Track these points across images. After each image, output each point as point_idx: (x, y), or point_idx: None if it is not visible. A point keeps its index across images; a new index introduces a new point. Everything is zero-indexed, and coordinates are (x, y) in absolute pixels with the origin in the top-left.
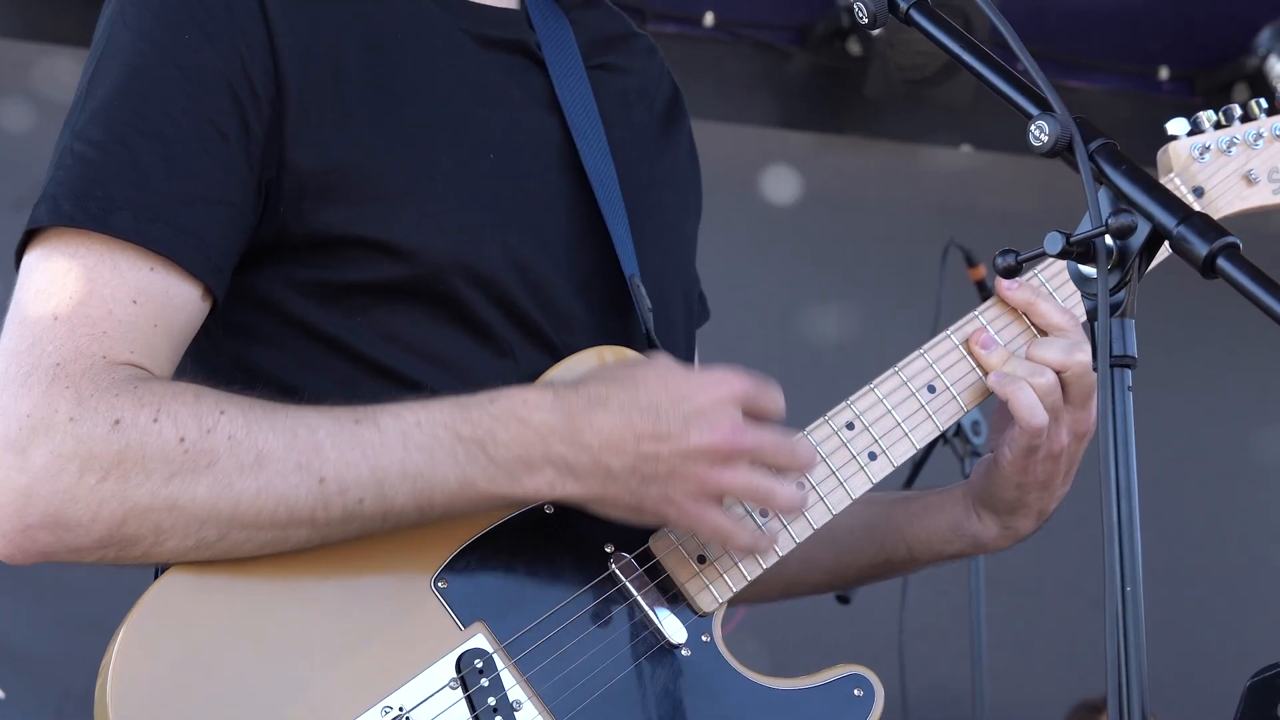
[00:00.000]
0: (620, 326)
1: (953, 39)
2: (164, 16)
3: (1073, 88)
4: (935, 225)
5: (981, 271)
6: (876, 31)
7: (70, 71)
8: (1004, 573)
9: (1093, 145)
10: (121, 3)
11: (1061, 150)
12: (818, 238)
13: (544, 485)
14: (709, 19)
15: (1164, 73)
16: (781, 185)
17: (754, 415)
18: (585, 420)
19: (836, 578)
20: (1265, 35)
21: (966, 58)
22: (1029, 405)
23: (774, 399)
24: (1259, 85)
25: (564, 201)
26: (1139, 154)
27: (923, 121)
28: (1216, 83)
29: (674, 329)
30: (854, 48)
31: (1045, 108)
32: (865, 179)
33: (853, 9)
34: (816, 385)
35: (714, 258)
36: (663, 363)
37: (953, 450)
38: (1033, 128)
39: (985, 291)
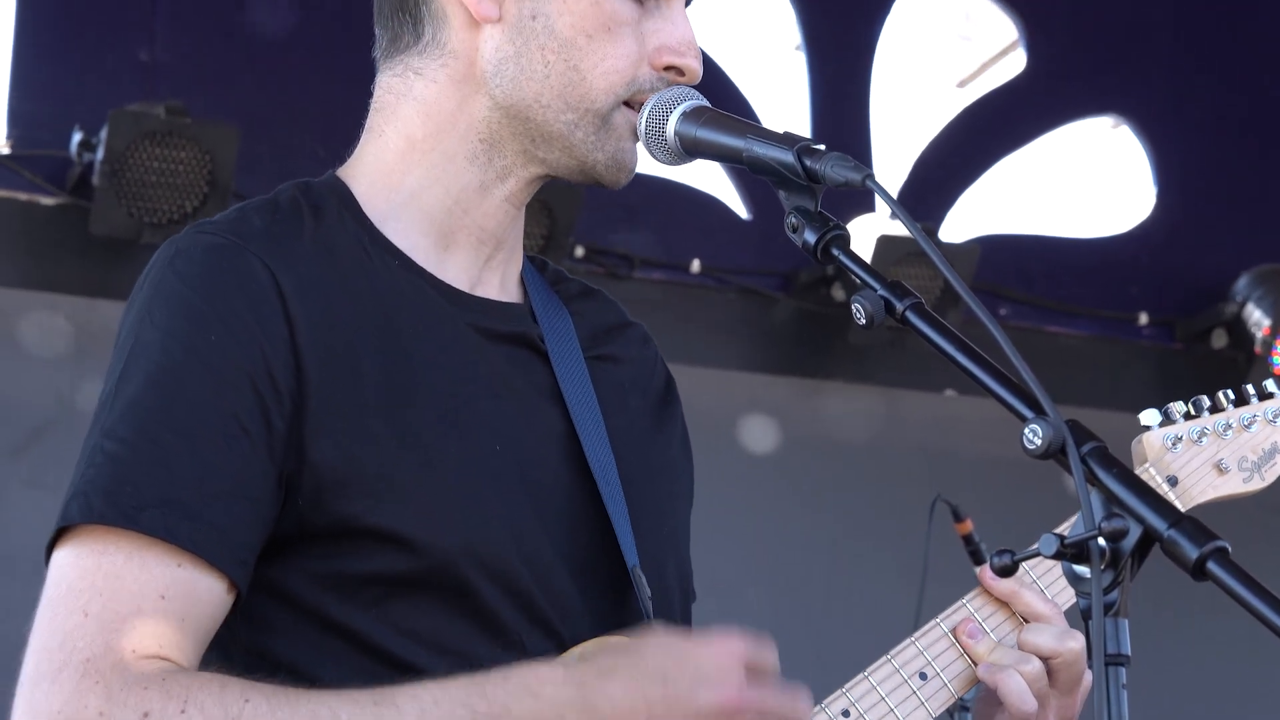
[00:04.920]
0: (621, 615)
1: (948, 341)
2: (190, 317)
3: (1053, 333)
4: (921, 470)
5: (969, 526)
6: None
7: (53, 320)
8: None
9: (1085, 449)
10: (148, 304)
11: (1054, 453)
12: (803, 483)
13: None
14: (695, 266)
15: (1144, 319)
16: (766, 431)
17: (753, 673)
18: (598, 691)
19: None
20: (1243, 283)
21: (962, 360)
22: (1018, 692)
23: (769, 657)
24: (1237, 331)
25: (567, 491)
26: (1121, 401)
27: (907, 366)
28: (1195, 329)
29: (672, 615)
30: (838, 294)
31: (1038, 409)
32: (850, 424)
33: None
34: (806, 634)
35: (698, 503)
36: (661, 632)
37: None
38: (1026, 431)
39: (972, 545)
